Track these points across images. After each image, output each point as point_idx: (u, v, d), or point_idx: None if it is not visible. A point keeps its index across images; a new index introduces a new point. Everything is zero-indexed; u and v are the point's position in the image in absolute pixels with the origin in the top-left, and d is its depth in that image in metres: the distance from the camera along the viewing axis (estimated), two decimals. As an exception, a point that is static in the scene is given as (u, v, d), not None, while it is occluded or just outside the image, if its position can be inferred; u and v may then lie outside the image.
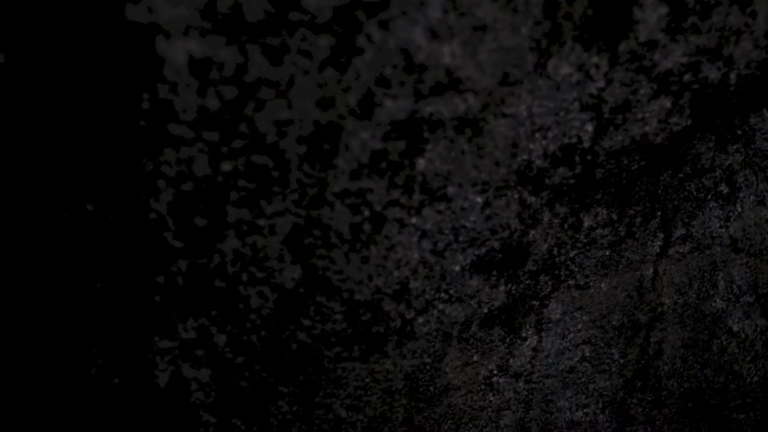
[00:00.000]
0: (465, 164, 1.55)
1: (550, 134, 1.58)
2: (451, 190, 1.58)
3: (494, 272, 1.76)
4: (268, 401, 1.73)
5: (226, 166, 1.42)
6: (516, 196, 1.65)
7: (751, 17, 1.58)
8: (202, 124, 1.36)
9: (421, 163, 1.52)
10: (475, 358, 1.90)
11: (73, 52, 1.26)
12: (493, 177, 1.59)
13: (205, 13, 1.26)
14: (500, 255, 1.74)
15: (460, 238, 1.66)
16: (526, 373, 2.00)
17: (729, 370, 2.24)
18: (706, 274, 2.10)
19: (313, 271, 1.59)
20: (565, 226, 1.79)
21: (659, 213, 1.92)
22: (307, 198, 1.49)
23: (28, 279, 1.47)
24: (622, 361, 2.11)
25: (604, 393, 2.13)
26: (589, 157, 1.67)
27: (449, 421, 1.96)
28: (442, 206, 1.59)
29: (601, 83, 1.55)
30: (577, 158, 1.65)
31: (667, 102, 1.65)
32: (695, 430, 2.30)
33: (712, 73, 1.64)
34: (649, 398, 2.20)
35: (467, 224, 1.64)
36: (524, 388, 2.02)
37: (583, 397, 2.10)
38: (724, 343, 2.21)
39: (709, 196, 1.98)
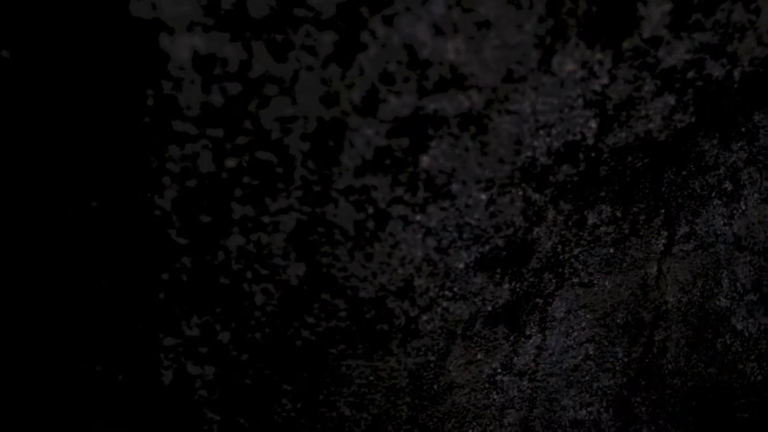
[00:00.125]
0: (469, 161, 1.55)
1: (554, 131, 1.58)
2: (455, 187, 1.58)
3: (498, 270, 1.76)
4: (272, 399, 1.73)
5: (231, 163, 1.42)
6: (520, 193, 1.65)
7: (755, 14, 1.58)
8: (207, 120, 1.36)
9: (425, 160, 1.52)
10: (479, 356, 1.89)
11: (77, 48, 1.26)
12: (497, 174, 1.59)
13: (208, 9, 1.26)
14: (504, 252, 1.74)
15: (464, 236, 1.66)
16: (530, 371, 2.00)
17: (733, 368, 2.24)
18: (710, 272, 2.09)
19: (318, 268, 1.59)
20: (570, 224, 1.78)
21: (663, 211, 1.92)
22: (312, 195, 1.49)
23: (31, 276, 1.47)
24: (626, 359, 2.10)
25: (608, 391, 2.12)
26: (593, 155, 1.66)
27: (453, 420, 1.95)
28: (446, 203, 1.59)
29: (605, 80, 1.55)
30: (581, 155, 1.65)
31: (671, 99, 1.64)
32: (699, 429, 2.29)
33: (716, 70, 1.64)
34: (653, 397, 2.19)
35: (471, 221, 1.64)
36: (528, 387, 2.02)
37: (587, 395, 2.10)
38: (728, 341, 2.20)
39: (713, 194, 1.98)
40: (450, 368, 1.87)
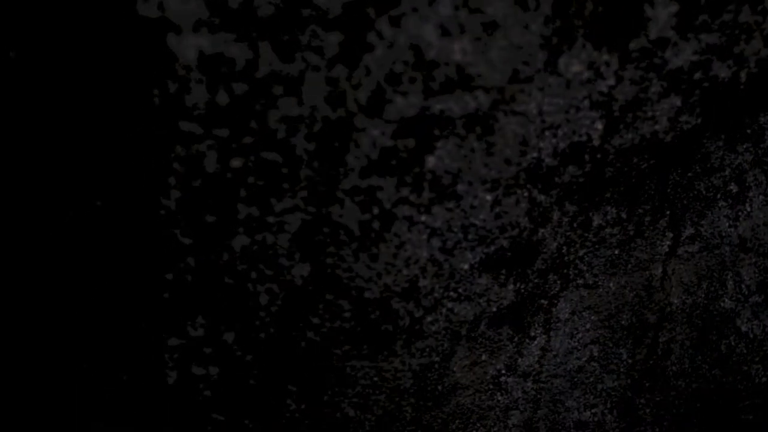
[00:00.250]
0: (475, 162, 1.55)
1: (560, 132, 1.58)
2: (460, 187, 1.57)
3: (503, 271, 1.76)
4: (277, 399, 1.73)
5: (236, 163, 1.42)
6: (526, 194, 1.64)
7: (762, 15, 1.58)
8: (212, 120, 1.36)
9: (430, 160, 1.52)
10: (483, 357, 1.89)
11: (84, 48, 1.26)
12: (502, 175, 1.59)
13: (215, 8, 1.26)
14: (509, 253, 1.73)
15: (470, 237, 1.66)
16: (534, 372, 2.00)
17: (737, 370, 2.23)
18: (714, 274, 2.09)
19: (323, 268, 1.59)
20: (575, 225, 1.78)
21: (668, 212, 1.91)
22: (317, 195, 1.49)
23: (36, 276, 1.47)
24: (630, 361, 2.10)
25: (613, 393, 2.12)
26: (598, 156, 1.66)
27: (457, 421, 1.95)
28: (451, 204, 1.59)
29: (612, 81, 1.54)
30: (586, 156, 1.65)
31: (677, 100, 1.64)
32: (703, 430, 2.29)
33: (722, 71, 1.64)
34: (658, 398, 2.19)
35: (477, 222, 1.64)
36: (532, 388, 2.02)
37: (592, 397, 2.10)
38: (733, 343, 2.20)
39: (719, 196, 1.97)
40: (454, 369, 1.87)
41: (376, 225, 1.56)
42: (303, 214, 1.51)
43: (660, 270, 2.01)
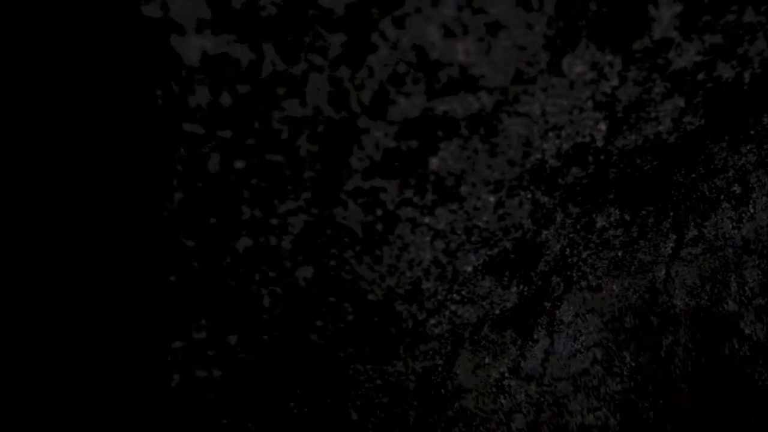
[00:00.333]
0: (478, 163, 1.54)
1: (563, 133, 1.58)
2: (464, 189, 1.57)
3: (506, 273, 1.75)
4: (279, 402, 1.72)
5: (239, 164, 1.42)
6: (529, 195, 1.64)
7: (766, 16, 1.57)
8: (216, 121, 1.35)
9: (434, 162, 1.51)
10: (486, 360, 1.88)
11: (88, 48, 1.26)
12: (506, 176, 1.59)
13: (218, 9, 1.25)
14: (513, 255, 1.73)
15: (473, 238, 1.65)
16: (537, 375, 1.99)
17: (741, 373, 2.23)
18: (718, 276, 2.08)
19: (326, 270, 1.58)
20: (578, 227, 1.78)
21: (672, 214, 1.91)
22: (320, 197, 1.49)
23: (38, 278, 1.46)
24: (633, 364, 2.09)
25: (616, 396, 2.11)
26: (602, 157, 1.66)
27: (460, 424, 1.94)
28: (454, 206, 1.58)
29: (615, 82, 1.54)
30: (590, 158, 1.64)
31: (680, 101, 1.64)
32: (707, 434, 2.28)
33: (726, 72, 1.64)
34: (661, 402, 2.18)
35: (480, 224, 1.63)
36: (536, 391, 2.01)
37: (595, 400, 2.09)
38: (736, 346, 2.19)
39: (722, 197, 1.97)
40: (458, 372, 1.86)
41: (379, 227, 1.56)
42: (306, 215, 1.50)
43: (663, 272, 2.01)
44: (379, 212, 1.54)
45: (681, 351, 2.14)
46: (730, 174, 1.94)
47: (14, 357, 1.52)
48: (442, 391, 1.87)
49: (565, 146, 1.60)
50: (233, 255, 1.51)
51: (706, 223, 1.99)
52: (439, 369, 1.83)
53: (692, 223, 1.96)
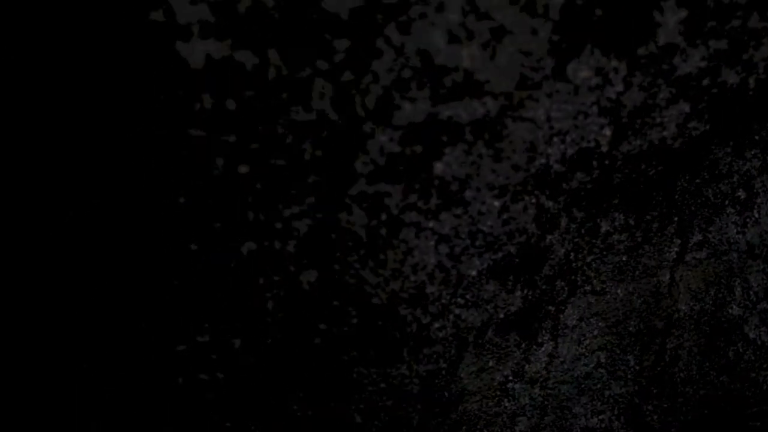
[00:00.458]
0: (483, 168, 1.55)
1: (568, 138, 1.58)
2: (468, 194, 1.57)
3: (511, 277, 1.76)
4: (283, 405, 1.72)
5: (244, 169, 1.42)
6: (533, 200, 1.64)
7: (771, 21, 1.57)
8: (220, 125, 1.36)
9: (438, 166, 1.51)
10: (490, 363, 1.89)
11: (94, 51, 1.26)
12: (510, 181, 1.59)
13: (223, 14, 1.26)
14: (517, 260, 1.73)
15: (477, 243, 1.65)
16: (541, 379, 1.99)
17: (745, 377, 2.22)
18: (722, 281, 2.08)
19: (330, 274, 1.59)
20: (583, 231, 1.78)
21: (676, 218, 1.91)
22: (325, 201, 1.49)
23: (37, 277, 1.47)
24: (637, 367, 2.09)
25: (620, 399, 2.11)
26: (606, 162, 1.66)
27: (464, 427, 1.94)
28: (459, 210, 1.59)
29: (620, 87, 1.54)
30: (594, 163, 1.64)
31: (685, 107, 1.64)
32: (711, 438, 2.28)
33: (731, 77, 1.63)
34: (665, 405, 2.18)
35: (484, 228, 1.63)
36: (540, 394, 2.01)
37: (599, 403, 2.09)
38: (741, 350, 2.19)
39: (727, 202, 1.96)
40: (462, 375, 1.86)
41: (383, 231, 1.56)
42: (310, 220, 1.50)
43: (668, 276, 2.01)
44: (383, 217, 1.54)
45: (685, 355, 2.14)
46: (735, 179, 1.94)
47: (14, 357, 1.53)
48: (446, 394, 1.87)
49: (570, 151, 1.60)
50: (237, 258, 1.52)
51: (710, 228, 1.98)
52: (443, 372, 1.83)
53: (697, 228, 1.96)
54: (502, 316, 1.81)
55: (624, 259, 1.90)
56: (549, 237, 1.73)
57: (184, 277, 1.51)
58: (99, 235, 1.44)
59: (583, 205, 1.72)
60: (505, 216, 1.64)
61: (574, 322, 1.95)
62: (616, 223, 1.82)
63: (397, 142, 1.46)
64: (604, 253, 1.86)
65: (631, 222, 1.84)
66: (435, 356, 1.79)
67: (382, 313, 1.67)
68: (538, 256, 1.76)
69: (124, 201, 1.41)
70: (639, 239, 1.88)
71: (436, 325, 1.75)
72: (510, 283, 1.76)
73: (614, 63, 1.50)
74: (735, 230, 2.02)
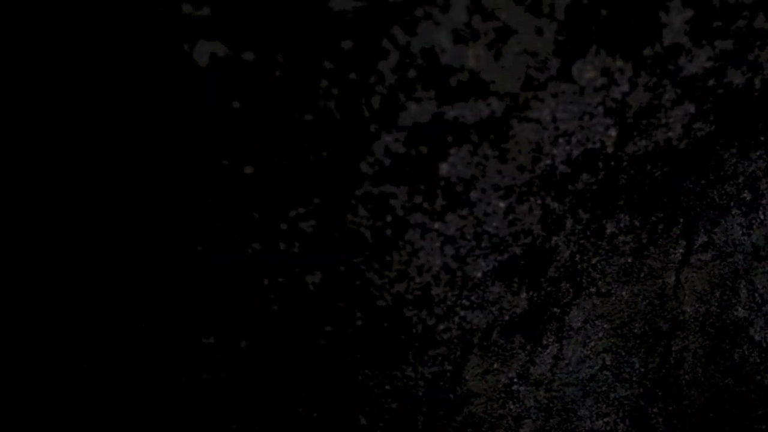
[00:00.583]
0: (488, 169, 1.54)
1: (573, 139, 1.57)
2: (473, 195, 1.57)
3: (516, 279, 1.75)
4: (287, 406, 1.72)
5: (249, 169, 1.42)
6: (539, 201, 1.64)
7: (777, 22, 1.57)
8: (225, 125, 1.35)
9: (444, 167, 1.51)
10: (495, 365, 1.88)
11: (93, 48, 1.26)
12: (516, 182, 1.58)
13: (228, 12, 1.26)
14: (522, 261, 1.73)
15: (483, 244, 1.65)
16: (546, 381, 1.98)
17: (751, 379, 2.22)
18: (728, 283, 2.08)
19: (335, 276, 1.58)
20: (588, 233, 1.77)
21: (682, 220, 1.90)
22: (330, 202, 1.49)
23: (37, 277, 1.47)
24: (642, 369, 2.09)
25: (625, 402, 2.10)
26: (612, 163, 1.65)
27: (469, 429, 1.94)
28: (464, 211, 1.58)
29: (626, 88, 1.54)
30: (600, 164, 1.64)
31: (691, 107, 1.63)
32: (716, 440, 2.27)
33: (736, 78, 1.63)
34: (670, 408, 2.17)
35: (490, 230, 1.63)
36: (544, 397, 2.00)
37: (604, 406, 2.08)
38: (746, 352, 2.18)
39: (732, 203, 1.96)
40: (466, 377, 1.86)
41: (388, 232, 1.56)
42: (315, 221, 1.50)
43: (673, 278, 2.00)
44: (388, 218, 1.54)
45: (690, 357, 2.13)
46: (740, 180, 1.93)
47: (14, 357, 1.53)
48: (451, 396, 1.87)
49: (576, 152, 1.60)
50: (242, 259, 1.51)
51: (716, 230, 1.98)
52: (448, 374, 1.83)
53: (702, 230, 1.96)
54: (507, 317, 1.81)
55: (629, 260, 1.90)
56: (554, 238, 1.73)
57: (188, 277, 1.51)
58: (99, 235, 1.44)
59: (588, 207, 1.71)
60: (510, 217, 1.63)
61: (579, 324, 1.94)
62: (622, 225, 1.81)
63: (402, 143, 1.45)
64: (610, 254, 1.86)
65: (637, 223, 1.83)
66: (440, 358, 1.79)
67: (387, 314, 1.67)
68: (543, 257, 1.75)
69: (125, 201, 1.41)
70: (644, 241, 1.88)
71: (441, 326, 1.74)
72: (515, 284, 1.76)
73: (620, 63, 1.50)
74: (740, 232, 2.02)
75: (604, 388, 2.06)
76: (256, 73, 1.32)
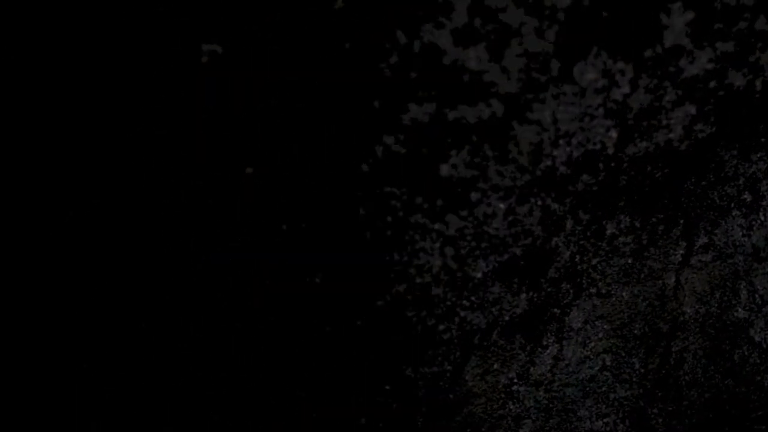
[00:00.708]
0: (488, 170, 1.54)
1: (574, 140, 1.57)
2: (474, 196, 1.57)
3: (516, 279, 1.75)
4: (287, 406, 1.72)
5: (249, 170, 1.42)
6: (539, 202, 1.64)
7: (778, 23, 1.57)
8: (224, 125, 1.36)
9: (444, 168, 1.51)
10: (495, 366, 1.88)
11: (92, 47, 1.26)
12: (516, 183, 1.58)
13: (229, 12, 1.26)
14: (522, 262, 1.73)
15: (483, 245, 1.65)
16: (546, 381, 1.98)
17: (751, 380, 2.22)
18: (728, 284, 2.08)
19: (335, 276, 1.58)
20: (588, 234, 1.77)
21: (682, 221, 1.90)
22: (330, 203, 1.49)
23: (37, 277, 1.47)
24: (642, 370, 2.09)
25: (625, 403, 2.10)
26: (612, 164, 1.65)
27: (468, 429, 1.94)
28: (465, 212, 1.58)
29: (626, 89, 1.54)
30: (600, 165, 1.64)
31: (691, 109, 1.63)
32: (716, 441, 2.27)
33: (737, 79, 1.63)
34: (670, 408, 2.17)
35: (490, 231, 1.63)
36: (544, 397, 2.01)
37: (604, 406, 2.08)
38: (746, 353, 2.18)
39: (732, 205, 1.96)
40: (466, 378, 1.86)
41: (389, 233, 1.56)
42: (315, 221, 1.50)
43: (673, 279, 2.00)
44: (389, 218, 1.54)
45: (690, 358, 2.13)
46: (741, 182, 1.93)
47: (14, 357, 1.53)
48: (451, 396, 1.87)
49: (576, 153, 1.60)
50: (240, 260, 1.51)
51: (716, 231, 1.98)
52: (448, 375, 1.83)
53: (702, 231, 1.96)
54: (507, 318, 1.81)
55: (629, 261, 1.90)
56: (554, 239, 1.73)
57: (188, 277, 1.51)
58: (99, 235, 1.44)
59: (588, 208, 1.71)
60: (510, 218, 1.63)
61: (579, 324, 1.94)
62: (622, 226, 1.81)
63: (403, 144, 1.45)
64: (610, 255, 1.86)
65: (637, 224, 1.83)
66: (440, 358, 1.79)
67: (387, 315, 1.67)
68: (543, 258, 1.75)
69: (125, 201, 1.41)
70: (644, 242, 1.88)
71: (441, 327, 1.74)
72: (515, 285, 1.76)
73: (621, 65, 1.50)
74: (741, 233, 2.02)
75: (603, 389, 2.07)
76: (254, 73, 1.32)
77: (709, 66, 1.58)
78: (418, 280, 1.64)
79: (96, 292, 1.50)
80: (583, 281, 1.87)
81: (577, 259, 1.81)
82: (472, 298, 1.73)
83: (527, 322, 1.85)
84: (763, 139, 1.86)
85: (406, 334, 1.71)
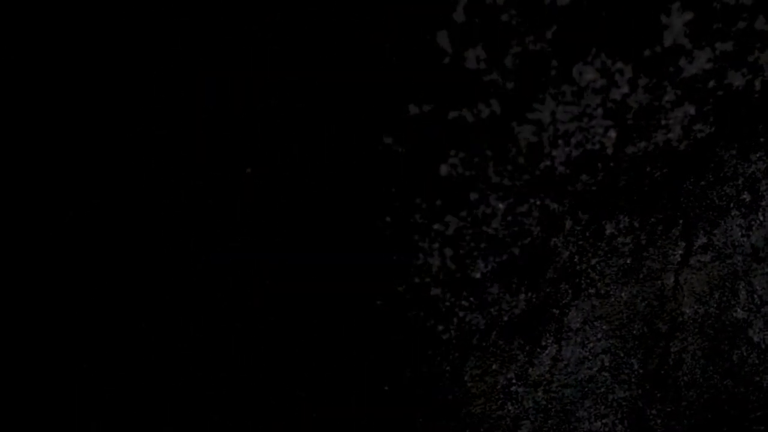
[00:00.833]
0: (488, 170, 1.54)
1: (573, 140, 1.57)
2: (473, 196, 1.56)
3: (515, 280, 1.75)
4: (286, 406, 1.72)
5: (249, 170, 1.42)
6: (538, 202, 1.64)
7: (777, 24, 1.57)
8: (223, 125, 1.35)
9: (443, 168, 1.51)
10: (494, 366, 1.88)
11: (91, 48, 1.26)
12: (515, 183, 1.58)
13: (230, 10, 1.25)
14: (521, 262, 1.72)
15: (482, 245, 1.65)
16: (545, 382, 1.98)
17: (749, 381, 2.22)
18: (727, 284, 2.08)
19: (334, 277, 1.58)
20: (587, 234, 1.77)
21: (681, 221, 1.90)
22: (328, 203, 1.48)
23: (37, 277, 1.46)
24: (641, 371, 2.09)
25: (623, 403, 2.10)
26: (611, 164, 1.65)
27: (467, 430, 1.94)
28: (464, 212, 1.58)
29: (626, 89, 1.54)
30: (599, 165, 1.64)
31: (691, 109, 1.63)
32: (715, 441, 2.27)
33: (736, 79, 1.63)
34: (668, 409, 2.17)
35: (489, 231, 1.63)
36: (543, 398, 2.00)
37: (602, 407, 2.08)
38: (745, 353, 2.18)
39: (732, 205, 1.96)
40: (465, 378, 1.85)
41: (388, 233, 1.55)
42: (314, 222, 1.50)
43: (672, 279, 2.00)
44: (388, 219, 1.54)
45: (689, 358, 2.13)
46: (740, 182, 1.93)
47: (15, 357, 1.52)
48: (450, 396, 1.87)
49: (575, 153, 1.60)
50: (243, 261, 1.51)
51: (715, 231, 1.98)
52: (447, 375, 1.83)
53: (701, 231, 1.96)
54: (506, 318, 1.81)
55: (628, 261, 1.90)
56: (553, 239, 1.73)
57: (188, 277, 1.51)
58: (99, 235, 1.44)
59: (587, 208, 1.71)
60: (509, 218, 1.63)
61: (578, 325, 1.94)
62: (621, 226, 1.81)
63: (402, 143, 1.45)
64: (609, 255, 1.85)
65: (636, 224, 1.83)
66: (439, 359, 1.79)
67: (386, 315, 1.66)
68: (542, 258, 1.75)
69: (125, 201, 1.41)
70: (643, 242, 1.88)
71: (440, 327, 1.74)
72: (514, 285, 1.76)
73: (620, 65, 1.50)
74: (740, 233, 2.02)
75: (602, 390, 2.06)
76: (255, 72, 1.32)
77: (708, 66, 1.58)
78: (418, 281, 1.64)
79: (96, 292, 1.49)
80: (582, 281, 1.87)
81: (576, 260, 1.81)
82: (471, 299, 1.73)
83: (526, 322, 1.85)
84: (762, 139, 1.86)
85: (405, 334, 1.71)
